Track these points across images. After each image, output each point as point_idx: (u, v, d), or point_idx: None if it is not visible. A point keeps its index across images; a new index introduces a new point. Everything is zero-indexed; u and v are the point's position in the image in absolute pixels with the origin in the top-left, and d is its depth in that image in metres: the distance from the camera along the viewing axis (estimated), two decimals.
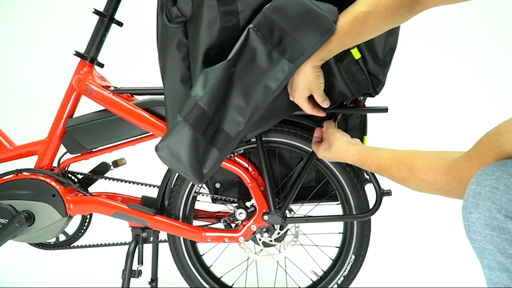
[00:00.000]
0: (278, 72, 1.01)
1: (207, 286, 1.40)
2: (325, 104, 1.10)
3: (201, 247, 1.44)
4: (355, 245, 1.36)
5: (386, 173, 1.00)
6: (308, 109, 1.10)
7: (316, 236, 1.48)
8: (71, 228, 1.43)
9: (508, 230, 0.66)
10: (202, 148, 1.06)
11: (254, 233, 1.34)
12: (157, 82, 1.25)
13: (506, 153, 0.72)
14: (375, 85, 1.18)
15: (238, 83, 1.03)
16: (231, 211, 1.40)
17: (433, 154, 0.89)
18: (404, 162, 0.93)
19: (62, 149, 1.37)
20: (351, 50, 1.10)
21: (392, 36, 1.13)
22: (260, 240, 1.35)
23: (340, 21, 0.99)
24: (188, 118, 1.04)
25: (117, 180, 1.44)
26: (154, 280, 1.51)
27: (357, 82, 1.15)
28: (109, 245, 1.45)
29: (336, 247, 1.41)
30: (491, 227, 0.68)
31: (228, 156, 1.31)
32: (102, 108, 1.34)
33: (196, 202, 1.41)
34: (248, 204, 1.38)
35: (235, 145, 1.08)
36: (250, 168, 1.33)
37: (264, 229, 1.33)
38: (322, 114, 1.13)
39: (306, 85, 1.05)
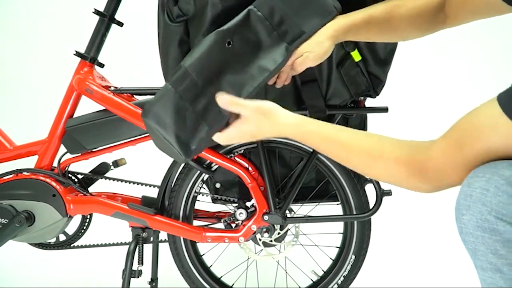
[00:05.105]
0: (277, 54, 1.02)
1: (207, 286, 1.40)
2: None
3: (201, 247, 1.44)
4: (355, 245, 1.36)
5: (342, 156, 0.88)
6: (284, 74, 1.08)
7: (316, 236, 1.48)
8: (71, 228, 1.43)
9: (499, 231, 0.67)
10: (190, 120, 1.02)
11: (254, 233, 1.34)
12: (157, 82, 1.25)
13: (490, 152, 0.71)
14: (376, 85, 1.19)
15: (235, 60, 1.02)
16: (231, 211, 1.40)
17: (402, 144, 0.82)
18: (370, 152, 0.84)
19: (62, 149, 1.37)
20: (352, 53, 1.10)
21: None
22: (260, 240, 1.35)
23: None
24: (176, 85, 1.02)
25: (117, 180, 1.44)
26: (154, 280, 1.50)
27: (356, 84, 1.15)
28: (109, 245, 1.45)
29: (336, 247, 1.41)
30: (483, 228, 0.68)
31: (228, 156, 1.31)
32: (102, 108, 1.34)
33: (196, 202, 1.41)
34: (248, 204, 1.38)
35: (224, 123, 1.03)
36: (250, 168, 1.32)
37: (264, 229, 1.33)
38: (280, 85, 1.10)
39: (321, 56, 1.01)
